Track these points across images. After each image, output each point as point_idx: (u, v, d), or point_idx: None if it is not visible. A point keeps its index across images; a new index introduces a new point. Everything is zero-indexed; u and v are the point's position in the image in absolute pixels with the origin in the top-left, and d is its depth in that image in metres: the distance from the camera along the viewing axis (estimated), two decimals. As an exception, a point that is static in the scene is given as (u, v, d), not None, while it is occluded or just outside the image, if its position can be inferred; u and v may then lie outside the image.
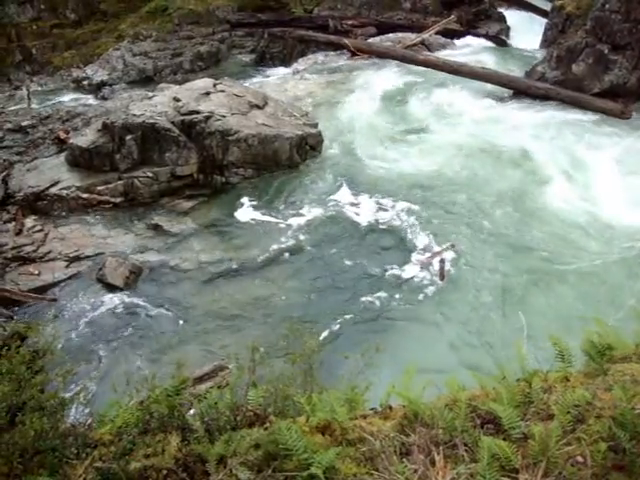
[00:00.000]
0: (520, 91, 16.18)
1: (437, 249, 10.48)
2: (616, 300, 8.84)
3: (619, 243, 10.25)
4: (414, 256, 10.38)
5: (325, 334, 8.63)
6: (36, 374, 3.09)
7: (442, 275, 9.89)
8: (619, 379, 2.83)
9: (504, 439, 2.46)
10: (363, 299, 9.46)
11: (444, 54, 19.43)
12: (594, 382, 2.91)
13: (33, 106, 17.54)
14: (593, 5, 15.89)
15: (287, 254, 10.64)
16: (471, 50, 20.47)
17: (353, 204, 11.92)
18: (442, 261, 10.12)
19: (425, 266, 10.13)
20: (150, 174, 12.19)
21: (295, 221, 11.54)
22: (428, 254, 10.39)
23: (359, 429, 2.68)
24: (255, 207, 11.98)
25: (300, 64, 19.69)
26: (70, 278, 10.05)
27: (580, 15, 17.01)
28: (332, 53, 20.39)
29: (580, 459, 2.38)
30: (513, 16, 23.71)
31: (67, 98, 18.82)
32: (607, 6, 15.18)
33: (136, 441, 2.73)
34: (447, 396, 2.90)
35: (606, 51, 15.24)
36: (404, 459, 2.41)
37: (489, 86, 16.61)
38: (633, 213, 10.90)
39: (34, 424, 2.61)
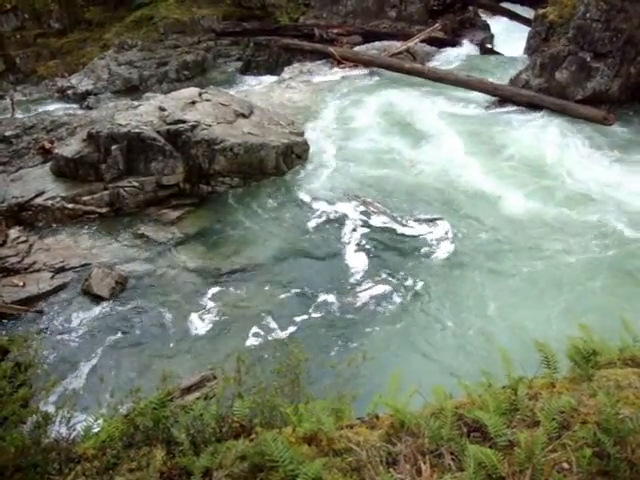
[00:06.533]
0: (505, 98, 16.34)
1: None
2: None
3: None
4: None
5: (314, 342, 8.60)
6: (18, 388, 3.04)
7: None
8: (604, 385, 2.84)
9: (490, 447, 2.46)
10: (354, 305, 9.47)
11: (429, 62, 19.57)
12: (579, 388, 2.92)
13: (17, 116, 17.39)
14: (575, 14, 16.10)
15: (273, 262, 10.61)
16: (456, 58, 20.66)
17: (338, 210, 11.94)
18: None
19: None
20: (136, 184, 12.13)
21: (281, 229, 11.53)
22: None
23: (345, 439, 2.67)
24: (241, 216, 11.96)
25: (286, 72, 19.72)
26: (55, 289, 9.94)
27: (562, 23, 17.23)
28: (318, 61, 20.46)
29: (566, 465, 2.39)
30: (497, 24, 23.94)
31: (52, 107, 18.68)
32: (588, 15, 15.40)
33: (120, 455, 2.70)
34: (433, 404, 2.90)
35: (588, 59, 15.45)
36: (390, 469, 2.40)
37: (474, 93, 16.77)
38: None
39: (15, 440, 2.57)
